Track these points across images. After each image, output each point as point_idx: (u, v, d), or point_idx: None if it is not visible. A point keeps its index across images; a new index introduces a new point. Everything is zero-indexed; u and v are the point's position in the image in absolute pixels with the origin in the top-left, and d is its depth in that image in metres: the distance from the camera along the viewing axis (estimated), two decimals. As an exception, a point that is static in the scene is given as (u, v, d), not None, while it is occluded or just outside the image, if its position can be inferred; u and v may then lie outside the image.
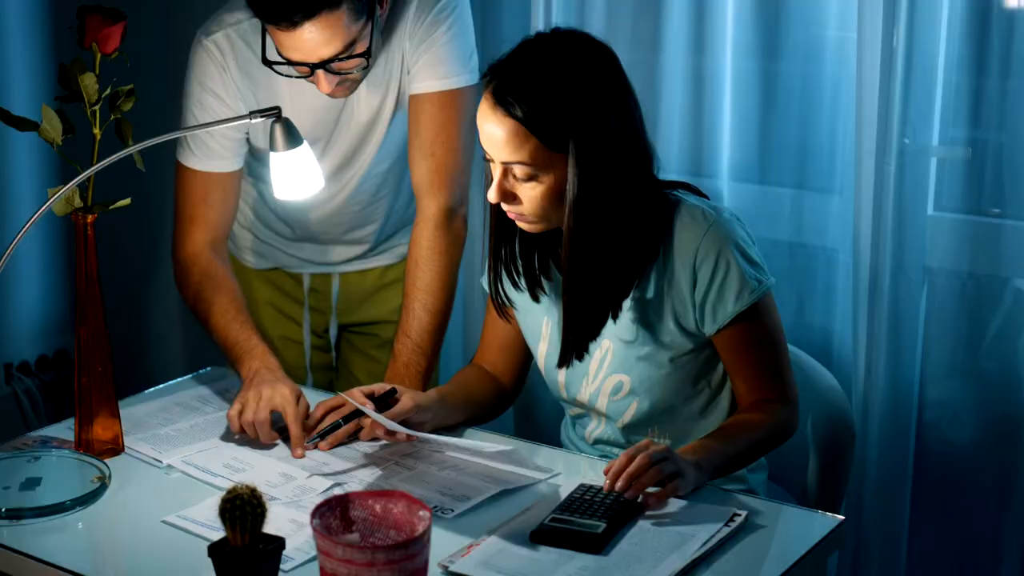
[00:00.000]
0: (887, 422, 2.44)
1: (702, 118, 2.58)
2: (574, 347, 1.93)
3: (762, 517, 1.78)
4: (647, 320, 1.94)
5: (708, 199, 1.98)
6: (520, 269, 1.99)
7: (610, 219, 1.86)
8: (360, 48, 2.06)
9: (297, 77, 2.11)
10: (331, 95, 2.13)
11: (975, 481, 2.45)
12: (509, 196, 1.87)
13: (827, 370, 2.23)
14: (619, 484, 1.74)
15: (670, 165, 2.62)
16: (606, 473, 1.76)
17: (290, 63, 2.06)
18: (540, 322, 2.04)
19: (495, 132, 1.83)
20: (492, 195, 1.88)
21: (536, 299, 2.01)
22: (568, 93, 1.81)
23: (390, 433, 1.95)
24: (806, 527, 1.80)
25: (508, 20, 2.74)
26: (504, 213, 1.93)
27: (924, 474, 2.50)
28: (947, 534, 2.51)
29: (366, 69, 2.12)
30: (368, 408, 1.94)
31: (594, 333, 1.93)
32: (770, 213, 2.54)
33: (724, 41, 2.53)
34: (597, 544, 1.67)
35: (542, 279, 2.00)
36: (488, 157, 1.88)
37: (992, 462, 2.43)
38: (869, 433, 2.45)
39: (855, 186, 2.39)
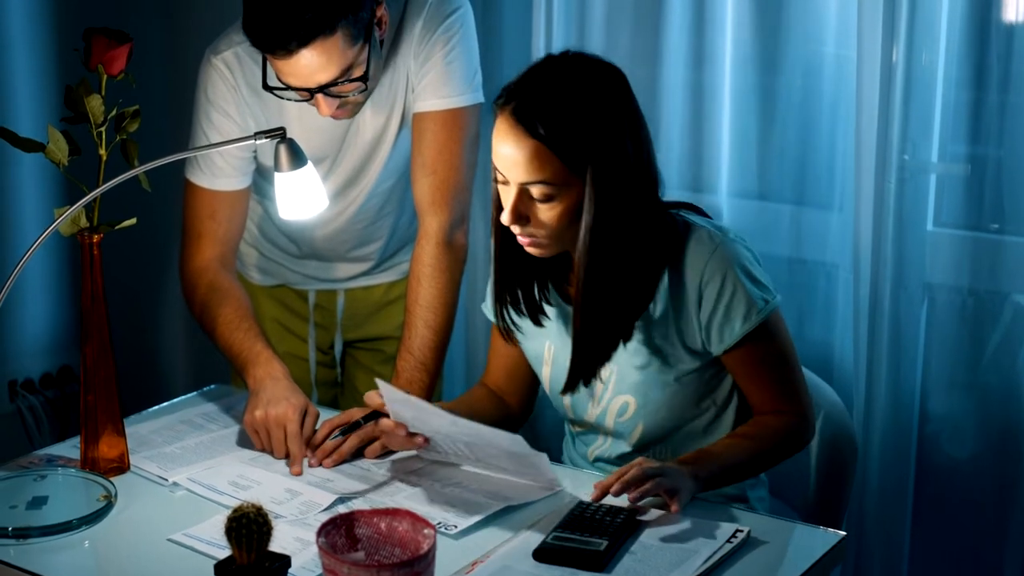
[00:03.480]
0: (888, 437, 2.45)
1: (701, 133, 2.59)
2: (584, 372, 1.93)
3: (764, 533, 1.79)
4: (653, 342, 1.94)
5: (711, 219, 1.99)
6: (521, 296, 1.99)
7: (623, 242, 1.86)
8: (357, 72, 2.07)
9: (298, 100, 2.13)
10: (333, 117, 2.14)
11: (976, 495, 2.46)
12: (523, 218, 1.86)
13: (828, 385, 2.24)
14: (615, 488, 1.75)
15: (670, 180, 2.62)
16: (596, 487, 1.78)
17: (288, 88, 2.08)
18: (542, 347, 2.05)
19: (515, 152, 1.83)
20: (507, 217, 1.86)
21: (539, 324, 2.01)
22: (589, 114, 1.82)
23: (410, 435, 1.93)
24: (808, 542, 1.81)
25: (509, 37, 2.76)
26: (509, 240, 1.93)
27: (925, 488, 2.51)
28: (948, 548, 2.52)
29: (366, 92, 2.13)
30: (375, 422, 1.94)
31: (605, 358, 1.93)
32: (770, 229, 2.55)
33: (723, 56, 2.54)
34: (599, 562, 1.67)
35: (543, 305, 2.00)
36: (502, 179, 1.87)
37: (993, 476, 2.43)
38: (870, 448, 2.46)
39: (855, 202, 2.40)
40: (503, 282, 1.99)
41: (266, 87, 2.11)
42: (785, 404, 1.95)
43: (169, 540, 1.76)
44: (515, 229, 1.88)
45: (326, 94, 2.07)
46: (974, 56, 2.32)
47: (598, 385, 2.00)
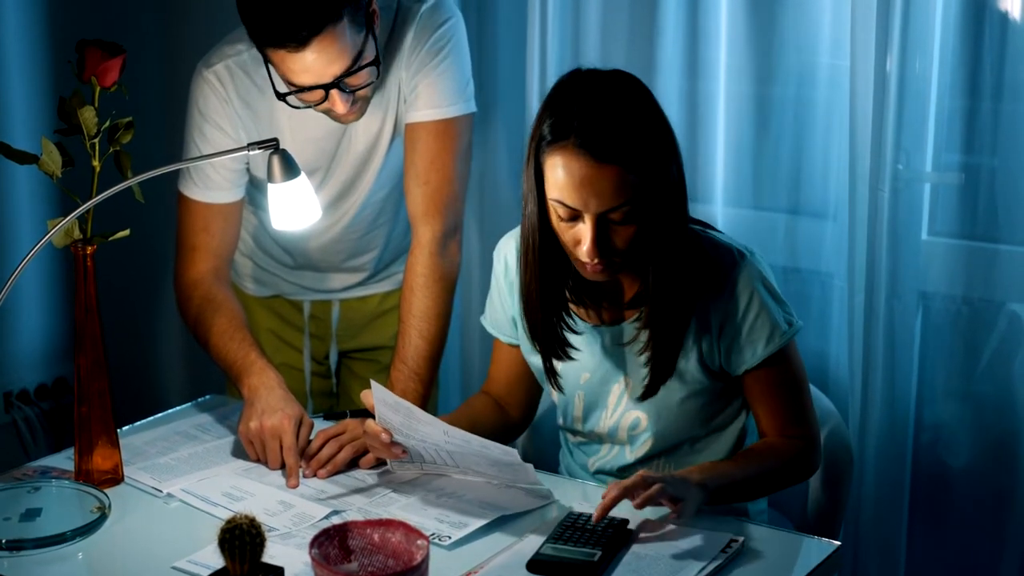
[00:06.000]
0: (884, 446, 2.45)
1: (696, 143, 2.59)
2: (660, 379, 1.93)
3: (759, 543, 1.78)
4: None
5: (727, 235, 2.00)
6: (549, 333, 1.98)
7: (684, 252, 1.87)
8: (368, 58, 2.07)
9: (308, 107, 2.12)
10: (343, 119, 2.13)
11: (972, 503, 2.46)
12: (606, 248, 1.84)
13: (823, 394, 2.24)
14: (613, 493, 1.73)
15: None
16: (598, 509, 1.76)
17: (301, 91, 2.06)
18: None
19: (596, 183, 1.79)
20: (590, 252, 1.82)
21: (569, 358, 1.99)
22: (644, 125, 1.81)
23: (390, 444, 1.92)
24: (803, 552, 1.81)
25: (503, 47, 2.76)
26: (548, 272, 1.91)
27: (921, 497, 2.51)
28: (945, 557, 2.51)
29: (376, 83, 2.12)
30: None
31: (671, 368, 1.93)
32: (764, 238, 2.55)
33: (718, 66, 2.54)
34: (593, 572, 1.67)
35: (567, 335, 1.98)
36: (567, 215, 1.82)
37: (989, 484, 2.43)
38: (866, 457, 2.46)
39: (849, 211, 2.40)
40: (549, 313, 1.96)
41: (279, 96, 2.10)
42: (795, 429, 1.94)
43: (174, 568, 1.73)
44: (594, 261, 1.84)
45: (341, 88, 2.06)
46: (967, 64, 2.33)
47: (611, 397, 2.00)
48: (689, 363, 1.94)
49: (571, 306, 1.98)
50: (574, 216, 1.82)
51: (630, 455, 2.02)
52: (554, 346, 1.98)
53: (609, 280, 1.91)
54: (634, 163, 1.79)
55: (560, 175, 1.81)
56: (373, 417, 1.93)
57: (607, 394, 2.00)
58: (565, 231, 1.85)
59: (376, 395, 1.89)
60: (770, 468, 1.91)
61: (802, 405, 1.96)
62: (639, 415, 1.98)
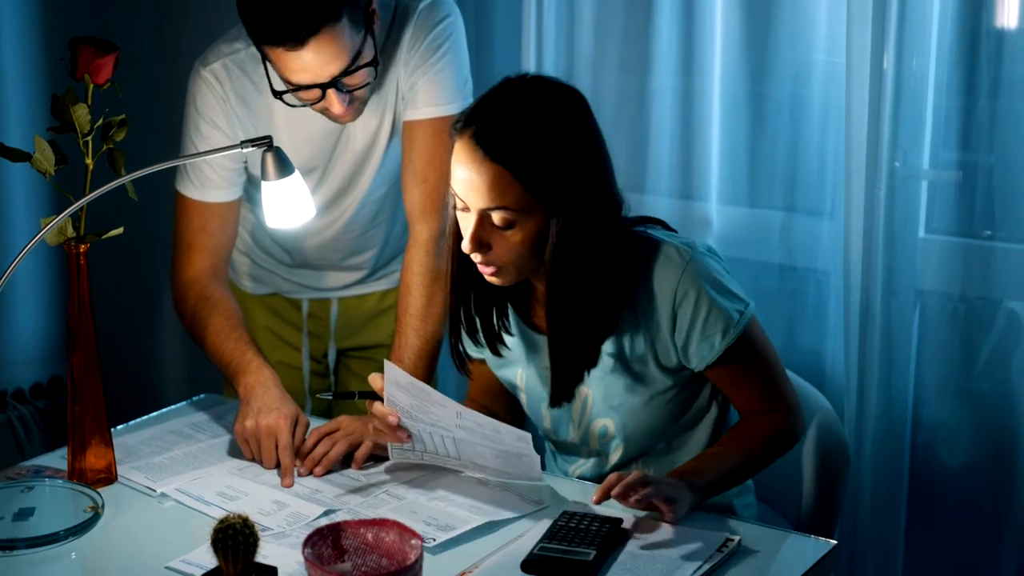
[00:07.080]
0: (880, 444, 2.45)
1: (691, 141, 2.59)
2: (563, 393, 1.93)
3: (755, 542, 1.78)
4: (628, 365, 1.93)
5: (677, 233, 1.98)
6: (480, 326, 1.98)
7: (589, 265, 1.85)
8: (366, 58, 2.06)
9: (304, 105, 2.11)
10: (340, 119, 2.13)
11: (970, 502, 2.45)
12: (484, 246, 1.84)
13: (820, 393, 2.23)
14: (617, 489, 1.74)
15: (660, 188, 2.63)
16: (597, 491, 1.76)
17: (298, 89, 2.06)
18: (514, 374, 2.04)
19: (476, 178, 1.80)
20: (467, 244, 1.84)
21: (498, 354, 2.00)
22: (551, 140, 1.80)
23: (396, 428, 1.92)
24: (799, 551, 1.80)
25: (500, 45, 2.76)
26: (466, 269, 1.91)
27: (919, 496, 2.50)
28: (942, 556, 2.51)
29: (373, 83, 2.12)
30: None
31: (578, 379, 1.93)
32: (760, 236, 2.55)
33: (713, 63, 2.54)
34: (588, 572, 1.66)
35: (503, 334, 1.99)
36: (461, 206, 1.84)
37: (986, 483, 2.43)
38: (863, 455, 2.45)
39: (845, 209, 2.40)
40: (458, 313, 1.97)
41: (276, 94, 2.10)
42: (771, 404, 1.94)
43: (167, 568, 1.73)
44: (476, 257, 1.85)
45: (339, 88, 2.05)
46: (965, 62, 2.32)
47: (575, 409, 1.99)
48: (647, 366, 1.93)
49: (515, 314, 1.99)
50: (465, 208, 1.84)
51: (607, 463, 2.01)
52: (459, 327, 1.98)
53: (510, 285, 1.91)
54: (524, 172, 1.78)
55: (452, 161, 1.84)
56: (382, 400, 1.92)
57: (570, 406, 1.99)
58: (460, 221, 1.87)
59: (388, 376, 1.88)
60: (754, 450, 1.91)
61: (773, 380, 1.95)
62: (605, 423, 1.98)
